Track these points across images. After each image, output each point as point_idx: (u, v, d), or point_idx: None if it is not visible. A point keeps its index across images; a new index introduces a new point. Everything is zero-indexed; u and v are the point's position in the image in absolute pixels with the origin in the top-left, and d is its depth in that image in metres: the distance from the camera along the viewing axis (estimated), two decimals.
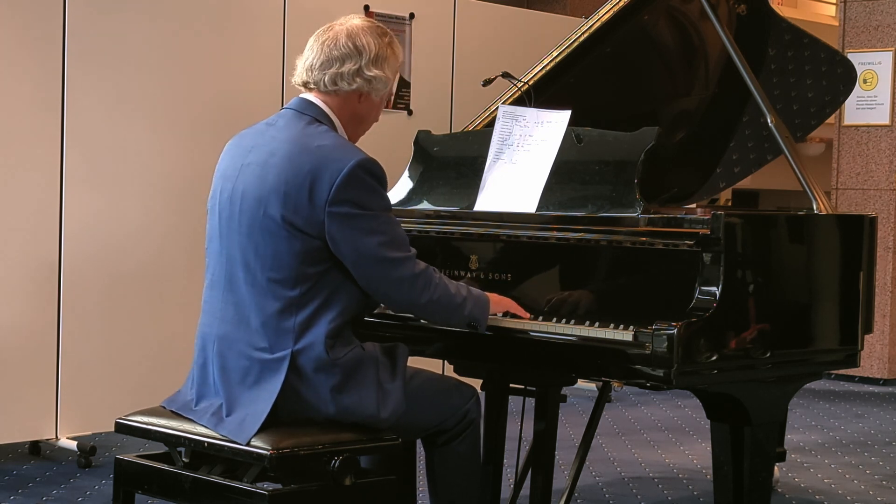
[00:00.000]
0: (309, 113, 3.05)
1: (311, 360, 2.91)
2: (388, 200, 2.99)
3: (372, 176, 2.93)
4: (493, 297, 3.21)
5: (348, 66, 3.03)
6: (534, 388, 3.58)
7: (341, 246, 2.92)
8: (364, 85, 3.05)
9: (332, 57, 3.04)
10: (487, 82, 3.82)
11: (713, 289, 3.06)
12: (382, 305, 3.22)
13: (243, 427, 2.91)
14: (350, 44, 3.04)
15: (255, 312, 2.95)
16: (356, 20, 3.10)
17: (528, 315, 3.26)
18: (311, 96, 3.08)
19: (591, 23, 3.91)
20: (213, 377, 3.03)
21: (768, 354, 3.20)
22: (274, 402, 2.90)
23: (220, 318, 3.03)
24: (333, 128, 3.06)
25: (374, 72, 3.04)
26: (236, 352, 2.98)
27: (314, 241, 2.92)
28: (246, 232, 2.98)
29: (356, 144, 3.07)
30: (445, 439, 3.16)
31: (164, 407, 3.13)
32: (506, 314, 3.25)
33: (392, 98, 3.23)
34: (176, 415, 3.08)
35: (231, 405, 2.97)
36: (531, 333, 3.22)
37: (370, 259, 2.93)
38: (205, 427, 3.00)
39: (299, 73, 3.11)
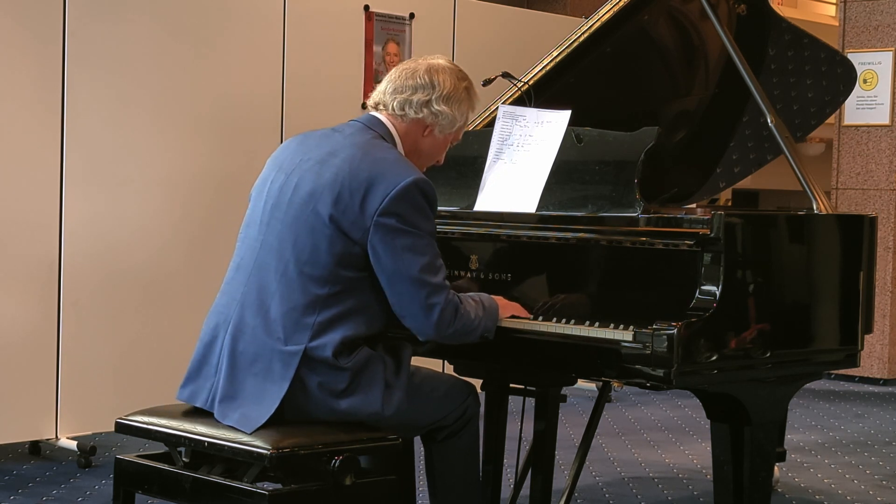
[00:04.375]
0: (376, 129, 3.14)
1: (322, 360, 2.93)
2: (434, 225, 3.04)
3: (425, 197, 2.99)
4: (501, 303, 3.23)
5: (419, 96, 3.13)
6: (534, 388, 3.58)
7: (382, 259, 2.95)
8: (429, 117, 3.15)
9: (406, 85, 3.15)
10: (487, 82, 3.82)
11: (713, 289, 3.06)
12: None
13: (249, 418, 2.92)
14: (427, 77, 3.15)
15: (279, 302, 2.98)
16: (441, 60, 3.21)
17: (529, 316, 3.26)
18: (381, 115, 3.17)
19: (591, 23, 3.91)
20: (217, 357, 3.04)
21: (768, 354, 3.20)
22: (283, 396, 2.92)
23: (240, 301, 3.05)
24: (396, 148, 3.14)
25: (441, 107, 3.14)
26: (250, 337, 2.99)
27: (355, 247, 2.96)
28: (290, 223, 3.02)
29: None
30: (445, 435, 3.18)
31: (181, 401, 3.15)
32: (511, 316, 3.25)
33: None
34: (179, 411, 3.09)
35: (234, 391, 2.98)
36: (531, 333, 3.22)
37: (407, 278, 2.96)
38: (199, 412, 3.01)
39: (374, 95, 3.20)
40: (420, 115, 3.14)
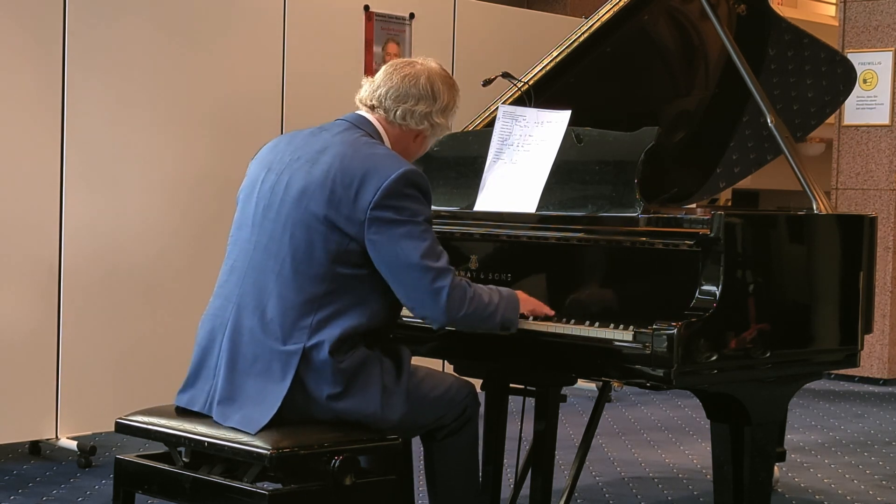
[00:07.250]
0: (364, 128, 3.14)
1: (320, 360, 2.92)
2: (430, 212, 3.04)
3: (417, 188, 2.99)
4: (521, 297, 3.21)
5: (421, 107, 3.15)
6: (534, 388, 3.58)
7: (381, 251, 2.95)
8: (428, 129, 3.19)
9: (410, 93, 3.15)
10: (487, 82, 3.82)
11: (713, 289, 3.06)
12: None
13: (252, 419, 2.92)
14: (429, 87, 3.16)
15: (275, 302, 2.97)
16: (434, 64, 3.22)
17: (552, 313, 3.24)
18: (369, 115, 3.17)
19: (591, 23, 3.91)
20: (216, 361, 3.03)
21: (768, 354, 3.21)
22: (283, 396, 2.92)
23: (236, 303, 3.04)
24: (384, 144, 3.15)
25: (440, 120, 3.18)
26: (248, 339, 2.99)
27: (351, 243, 2.96)
28: (283, 222, 3.01)
29: None
30: (444, 434, 3.18)
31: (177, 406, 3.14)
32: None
33: None
34: (177, 414, 3.08)
35: (233, 392, 2.98)
36: (531, 333, 3.21)
37: (409, 266, 2.95)
38: (199, 414, 3.01)
39: (368, 95, 3.19)
40: (420, 127, 3.17)
